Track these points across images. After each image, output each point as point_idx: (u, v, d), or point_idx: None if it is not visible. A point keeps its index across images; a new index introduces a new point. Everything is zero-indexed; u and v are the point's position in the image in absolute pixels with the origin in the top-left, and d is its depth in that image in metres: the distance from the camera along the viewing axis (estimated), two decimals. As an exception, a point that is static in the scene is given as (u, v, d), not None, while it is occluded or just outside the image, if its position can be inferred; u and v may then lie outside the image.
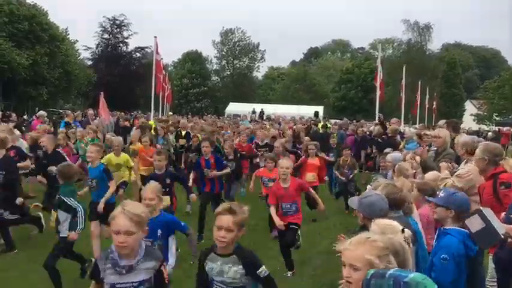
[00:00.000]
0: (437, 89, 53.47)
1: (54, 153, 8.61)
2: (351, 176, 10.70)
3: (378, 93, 23.95)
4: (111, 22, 56.53)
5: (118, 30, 57.06)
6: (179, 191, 8.40)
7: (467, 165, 5.87)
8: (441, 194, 3.97)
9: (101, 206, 6.81)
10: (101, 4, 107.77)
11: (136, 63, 56.60)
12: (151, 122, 18.63)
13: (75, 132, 12.87)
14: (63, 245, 5.85)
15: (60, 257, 5.83)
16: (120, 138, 10.46)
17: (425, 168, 6.37)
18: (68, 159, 8.77)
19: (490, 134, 30.11)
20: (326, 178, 10.83)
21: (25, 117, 28.65)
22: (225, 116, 40.34)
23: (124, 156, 9.32)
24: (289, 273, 6.62)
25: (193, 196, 7.56)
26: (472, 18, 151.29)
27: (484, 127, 48.52)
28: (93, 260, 6.10)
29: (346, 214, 10.27)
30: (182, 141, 13.62)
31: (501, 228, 3.68)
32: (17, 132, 10.96)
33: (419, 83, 36.32)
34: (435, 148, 7.40)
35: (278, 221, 6.41)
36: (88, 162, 7.53)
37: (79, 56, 52.74)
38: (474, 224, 3.60)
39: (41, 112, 17.67)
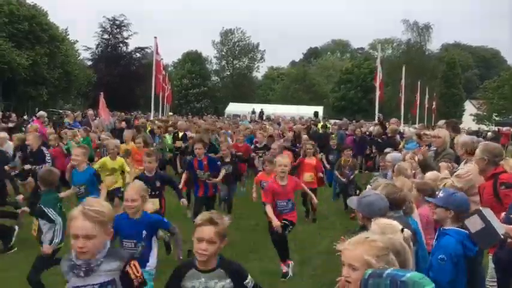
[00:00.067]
0: (437, 89, 53.54)
1: (38, 152, 8.43)
2: (352, 176, 10.52)
3: (378, 93, 23.99)
4: (111, 22, 56.55)
5: (118, 30, 57.07)
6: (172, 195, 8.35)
7: (466, 166, 5.88)
8: (440, 194, 3.97)
9: None
10: (101, 4, 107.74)
11: (136, 64, 56.59)
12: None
13: (67, 133, 12.70)
14: (45, 257, 5.37)
15: (43, 270, 5.42)
16: (116, 141, 9.96)
17: (425, 168, 6.38)
18: (49, 158, 8.57)
19: (489, 134, 30.12)
20: (325, 181, 10.77)
21: (25, 117, 28.60)
22: (225, 116, 40.35)
23: (120, 160, 8.85)
24: (289, 266, 6.53)
25: (184, 201, 7.18)
26: (472, 18, 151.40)
27: (484, 127, 48.51)
28: None
29: (346, 214, 10.27)
30: (178, 143, 13.60)
31: (501, 228, 3.69)
32: (4, 134, 10.75)
33: (419, 83, 36.41)
34: (435, 148, 7.40)
35: (276, 222, 6.24)
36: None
37: (79, 56, 52.72)
38: (474, 224, 3.61)
39: (41, 112, 17.66)
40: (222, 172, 8.49)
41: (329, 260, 6.83)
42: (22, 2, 41.99)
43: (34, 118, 19.77)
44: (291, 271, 6.52)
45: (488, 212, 3.67)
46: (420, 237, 4.15)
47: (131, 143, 10.68)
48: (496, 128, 39.95)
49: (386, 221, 2.85)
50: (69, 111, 25.59)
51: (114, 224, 4.50)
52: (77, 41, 51.56)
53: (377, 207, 3.59)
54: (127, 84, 51.41)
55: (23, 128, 17.47)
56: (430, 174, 5.78)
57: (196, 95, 62.36)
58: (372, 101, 41.33)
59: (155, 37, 21.27)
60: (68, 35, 48.93)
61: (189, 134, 14.17)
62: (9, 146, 9.98)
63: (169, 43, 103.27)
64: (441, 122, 10.89)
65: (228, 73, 71.38)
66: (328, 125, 20.06)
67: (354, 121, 29.12)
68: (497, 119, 52.58)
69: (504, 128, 34.58)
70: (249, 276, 3.15)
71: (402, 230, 2.71)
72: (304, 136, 13.21)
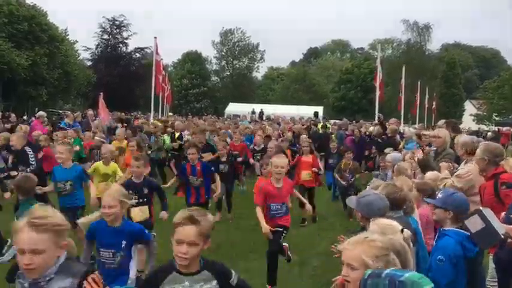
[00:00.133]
0: (437, 89, 53.54)
1: (21, 152, 8.20)
2: (352, 179, 10.27)
3: (378, 93, 23.96)
4: (111, 23, 56.54)
5: (118, 30, 57.07)
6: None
7: (467, 166, 5.87)
8: (439, 195, 3.96)
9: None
10: (101, 4, 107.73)
11: (136, 64, 56.60)
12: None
13: (58, 135, 12.55)
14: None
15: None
16: (110, 146, 9.43)
17: (425, 168, 6.37)
18: (33, 160, 8.31)
19: (489, 134, 30.12)
20: (322, 181, 10.66)
21: (24, 117, 28.61)
22: (225, 116, 40.34)
23: (113, 165, 8.35)
24: None
25: (164, 214, 6.42)
26: (472, 18, 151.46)
27: (484, 127, 48.54)
28: None
29: (345, 215, 10.22)
30: (175, 144, 13.56)
31: (501, 228, 3.68)
32: None
33: (419, 83, 36.37)
34: (435, 148, 7.39)
35: (265, 227, 5.82)
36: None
37: (78, 56, 52.70)
38: (474, 224, 3.60)
39: (41, 112, 17.62)
40: (218, 181, 8.10)
41: (328, 261, 6.82)
42: (22, 3, 42.00)
43: (33, 118, 19.76)
44: None
45: (488, 212, 3.66)
46: (420, 237, 4.14)
47: (124, 142, 10.54)
48: (496, 128, 39.95)
49: (386, 222, 2.84)
50: (69, 112, 25.54)
51: (91, 231, 4.35)
52: (77, 41, 51.64)
53: (376, 206, 3.58)
54: (127, 85, 51.40)
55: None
56: (430, 174, 5.78)
57: (196, 95, 62.37)
58: (372, 101, 41.35)
59: (155, 37, 21.23)
60: (68, 35, 48.97)
61: (185, 134, 14.14)
62: None
63: (169, 43, 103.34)
64: (441, 122, 10.88)
65: (228, 73, 71.39)
66: (328, 125, 20.03)
67: (354, 121, 29.15)
68: (497, 119, 52.60)
69: (504, 128, 34.59)
70: (233, 272, 2.91)
71: (402, 231, 2.70)
72: (303, 136, 13.07)
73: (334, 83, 65.24)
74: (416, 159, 7.13)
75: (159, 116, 26.84)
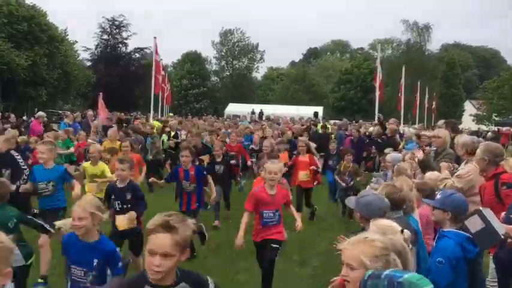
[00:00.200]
0: (437, 89, 53.58)
1: (5, 155, 7.70)
2: (352, 182, 9.91)
3: (377, 93, 23.95)
4: (110, 23, 56.53)
5: (117, 30, 57.06)
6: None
7: (467, 166, 5.86)
8: (438, 195, 3.96)
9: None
10: (100, 5, 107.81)
11: (135, 64, 56.57)
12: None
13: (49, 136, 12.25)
14: None
15: None
16: (98, 146, 9.07)
17: (425, 168, 6.36)
18: (22, 163, 8.10)
19: (489, 134, 30.12)
20: (321, 180, 10.38)
21: (24, 118, 28.61)
22: (225, 116, 40.36)
23: (101, 165, 7.88)
24: None
25: (125, 218, 5.79)
26: (472, 18, 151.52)
27: (483, 127, 48.56)
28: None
29: (345, 216, 10.19)
30: (171, 143, 13.51)
31: (501, 228, 3.67)
32: None
33: (419, 83, 36.38)
34: (435, 148, 7.39)
35: (240, 240, 5.52)
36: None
37: (78, 56, 52.70)
38: (474, 224, 3.59)
39: (40, 113, 17.61)
40: (211, 184, 7.73)
41: (328, 261, 6.83)
42: (21, 3, 41.99)
43: (33, 119, 19.75)
44: None
45: (488, 212, 3.66)
46: (421, 237, 4.14)
47: (117, 142, 10.27)
48: (495, 128, 39.96)
49: (386, 222, 2.84)
50: (69, 112, 25.53)
51: (63, 245, 3.96)
52: (76, 42, 51.65)
53: (375, 207, 3.57)
54: (126, 85, 51.39)
55: (22, 129, 17.45)
56: (429, 174, 5.77)
57: (195, 95, 62.39)
58: (371, 101, 41.37)
59: (154, 37, 21.24)
60: (67, 35, 48.97)
61: (182, 133, 14.09)
62: None
63: (169, 43, 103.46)
64: (441, 122, 10.88)
65: (228, 73, 71.40)
66: (328, 126, 20.01)
67: (353, 121, 29.16)
68: (496, 119, 52.62)
69: (504, 128, 34.59)
70: (209, 280, 2.64)
71: (402, 231, 2.69)
72: (301, 138, 12.70)
73: (333, 83, 65.29)
74: (416, 159, 7.12)
75: (159, 116, 26.85)
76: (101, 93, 17.44)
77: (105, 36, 56.74)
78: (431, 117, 42.31)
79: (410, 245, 2.64)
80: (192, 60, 64.84)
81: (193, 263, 6.90)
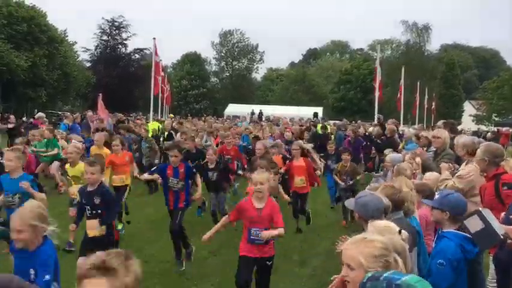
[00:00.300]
0: (436, 89, 53.60)
1: None
2: (351, 182, 9.64)
3: (377, 94, 23.96)
4: (110, 24, 56.59)
5: (117, 31, 57.12)
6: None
7: (467, 166, 5.86)
8: (436, 196, 3.96)
9: None
10: (100, 5, 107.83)
11: (135, 65, 56.61)
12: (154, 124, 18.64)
13: (34, 133, 12.10)
14: None
15: None
16: (75, 144, 8.55)
17: (426, 169, 6.36)
18: None
19: (489, 134, 30.14)
20: (319, 173, 9.86)
21: (24, 119, 28.60)
22: (224, 117, 40.38)
23: (80, 166, 7.10)
24: None
25: (94, 227, 5.44)
26: (471, 18, 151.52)
27: (483, 128, 48.56)
28: None
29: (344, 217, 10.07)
30: (167, 144, 13.47)
31: (500, 229, 3.68)
32: None
33: (418, 83, 36.42)
34: (434, 149, 7.39)
35: (210, 233, 5.31)
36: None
37: (78, 57, 52.77)
38: (473, 224, 3.60)
39: (40, 114, 17.65)
40: (199, 181, 7.35)
41: (328, 261, 6.85)
42: (21, 4, 42.02)
43: (32, 119, 19.76)
44: None
45: (487, 213, 3.67)
46: (422, 237, 4.14)
47: (105, 149, 9.61)
48: (495, 129, 39.97)
49: (384, 223, 2.84)
50: (68, 113, 25.56)
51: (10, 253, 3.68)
52: (76, 43, 51.70)
53: (372, 207, 3.57)
54: (126, 86, 51.44)
55: (22, 130, 17.46)
56: (428, 175, 5.77)
57: (195, 96, 62.40)
58: (371, 101, 41.36)
59: (154, 38, 21.24)
60: (67, 36, 49.01)
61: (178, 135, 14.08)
62: None
63: (169, 44, 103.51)
64: (440, 123, 10.88)
65: (227, 74, 71.42)
66: (328, 126, 20.01)
67: (353, 122, 29.19)
68: (496, 119, 52.61)
69: (503, 129, 34.58)
70: None
71: (400, 232, 2.70)
72: (296, 141, 11.78)
73: (333, 83, 65.30)
74: (417, 160, 7.11)
75: (159, 117, 26.85)
76: (100, 94, 17.45)
77: (105, 37, 56.84)
78: (431, 118, 42.32)
79: (407, 246, 2.65)
80: (192, 61, 64.87)
81: (193, 264, 6.93)
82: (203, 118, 30.32)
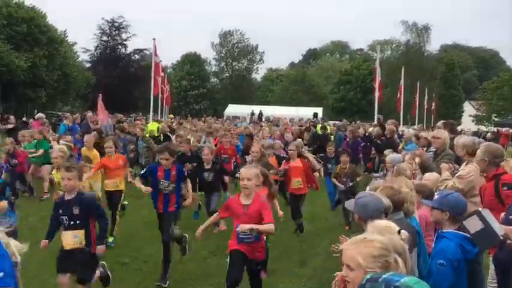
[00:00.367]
0: (436, 90, 53.67)
1: None
2: (351, 184, 9.35)
3: (377, 94, 23.97)
4: (110, 24, 56.61)
5: (117, 32, 57.12)
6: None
7: (468, 167, 5.86)
8: (436, 196, 3.96)
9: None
10: (100, 6, 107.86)
11: (135, 65, 56.61)
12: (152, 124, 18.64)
13: (25, 134, 12.06)
14: None
15: None
16: (60, 147, 8.24)
17: (426, 169, 6.36)
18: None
19: (489, 134, 30.16)
20: (317, 174, 9.61)
21: (24, 119, 28.61)
22: (224, 118, 40.40)
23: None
24: None
25: (100, 248, 5.13)
26: (471, 19, 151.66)
27: (483, 128, 48.57)
28: None
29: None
30: (157, 147, 13.35)
31: (500, 229, 3.68)
32: None
33: (418, 84, 36.46)
34: (434, 149, 7.39)
35: (200, 230, 5.17)
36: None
37: (78, 58, 52.80)
38: (473, 225, 3.60)
39: (40, 114, 17.63)
40: (189, 187, 6.89)
41: (328, 261, 6.83)
42: (20, 4, 42.04)
43: (32, 120, 19.76)
44: None
45: (487, 213, 3.66)
46: (422, 238, 4.14)
47: (94, 150, 9.45)
48: (495, 129, 40.00)
49: (383, 223, 2.84)
50: (68, 113, 25.55)
51: None
52: (76, 43, 51.72)
53: (372, 208, 3.57)
54: (126, 86, 51.44)
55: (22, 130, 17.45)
56: (428, 175, 5.77)
57: (195, 96, 62.43)
58: (371, 102, 41.40)
59: (154, 39, 21.28)
60: (67, 37, 49.04)
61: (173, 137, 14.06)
62: None
63: (168, 45, 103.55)
64: (440, 123, 10.88)
65: (227, 75, 71.42)
66: (328, 127, 20.01)
67: (353, 122, 29.22)
68: (496, 119, 52.62)
69: (503, 129, 34.63)
70: None
71: (399, 232, 2.70)
72: (293, 142, 11.72)
73: (333, 84, 65.33)
74: (416, 160, 7.11)
75: (158, 118, 26.87)
76: (100, 95, 17.45)
77: (105, 38, 56.85)
78: (431, 118, 42.36)
79: (407, 246, 2.65)
80: (192, 62, 64.91)
81: (193, 264, 6.93)
82: (203, 119, 30.32)
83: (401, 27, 59.24)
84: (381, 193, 3.95)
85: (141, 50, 57.12)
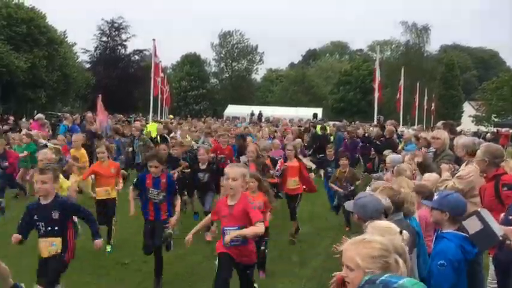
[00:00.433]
0: (436, 90, 53.69)
1: None
2: (352, 187, 9.26)
3: (377, 95, 23.98)
4: (110, 25, 56.59)
5: (116, 32, 57.07)
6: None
7: (467, 167, 5.86)
8: (435, 196, 3.96)
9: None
10: (100, 6, 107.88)
11: (134, 66, 56.56)
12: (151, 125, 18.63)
13: (15, 137, 11.98)
14: None
15: None
16: (44, 151, 7.79)
17: (425, 169, 6.36)
18: None
19: (488, 135, 30.15)
20: (313, 175, 9.56)
21: (23, 120, 28.61)
22: (224, 118, 40.39)
23: None
24: None
25: (97, 242, 5.05)
26: (470, 19, 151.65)
27: (483, 128, 48.58)
28: None
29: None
30: (146, 154, 13.25)
31: (499, 230, 3.68)
32: None
33: (418, 84, 36.48)
34: (434, 149, 7.39)
35: (190, 234, 5.02)
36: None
37: (77, 58, 52.73)
38: (472, 225, 3.60)
39: (39, 115, 17.59)
40: (178, 204, 6.46)
41: (328, 261, 6.83)
42: (20, 5, 42.01)
43: (32, 121, 19.74)
44: None
45: (486, 214, 3.66)
46: (422, 238, 4.14)
47: (82, 150, 9.17)
48: (494, 129, 39.99)
49: (384, 224, 2.84)
50: (68, 114, 25.54)
51: None
52: (75, 44, 51.68)
53: (371, 208, 3.57)
54: (125, 87, 51.41)
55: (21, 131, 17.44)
56: (427, 176, 5.77)
57: (195, 97, 62.40)
58: (370, 102, 41.41)
59: (153, 39, 21.30)
60: (67, 37, 49.01)
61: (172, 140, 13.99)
62: None
63: (168, 45, 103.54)
64: (440, 124, 10.88)
65: (227, 75, 71.41)
66: (327, 127, 20.01)
67: (353, 123, 29.24)
68: (496, 120, 52.64)
69: (503, 129, 34.63)
70: None
71: (401, 232, 2.69)
72: (292, 142, 11.70)
73: (333, 84, 65.33)
74: (415, 160, 7.11)
75: (158, 118, 26.87)
76: (100, 96, 17.42)
77: (104, 38, 56.78)
78: (431, 119, 42.37)
79: (407, 247, 2.64)
80: (191, 62, 64.88)
81: (188, 268, 6.91)
82: (203, 119, 30.33)
83: (401, 28, 59.49)
84: (381, 194, 3.95)
85: (140, 51, 57.12)
